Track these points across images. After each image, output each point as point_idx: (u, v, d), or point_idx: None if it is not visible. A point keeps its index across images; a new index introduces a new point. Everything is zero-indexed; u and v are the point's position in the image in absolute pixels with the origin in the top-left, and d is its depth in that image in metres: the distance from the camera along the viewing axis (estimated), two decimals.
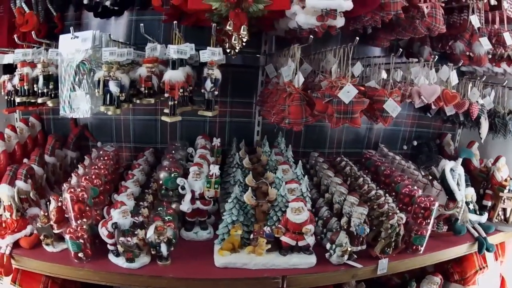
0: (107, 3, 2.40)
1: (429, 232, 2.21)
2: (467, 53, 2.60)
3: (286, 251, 1.98)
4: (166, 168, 2.17)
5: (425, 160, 3.10)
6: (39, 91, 2.04)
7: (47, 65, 2.03)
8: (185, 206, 2.08)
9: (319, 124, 2.95)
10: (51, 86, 2.03)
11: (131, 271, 1.84)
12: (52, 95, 2.04)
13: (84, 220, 1.89)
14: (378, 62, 2.32)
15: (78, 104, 1.88)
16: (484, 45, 2.55)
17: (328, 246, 2.01)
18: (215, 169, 2.05)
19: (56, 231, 1.92)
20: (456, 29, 2.57)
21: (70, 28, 1.88)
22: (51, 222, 1.92)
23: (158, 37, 2.31)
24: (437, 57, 2.39)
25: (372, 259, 2.08)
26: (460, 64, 2.57)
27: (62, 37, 1.92)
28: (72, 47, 1.89)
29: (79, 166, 2.35)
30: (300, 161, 2.33)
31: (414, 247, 2.21)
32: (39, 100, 2.05)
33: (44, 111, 2.83)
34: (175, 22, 1.95)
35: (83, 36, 1.89)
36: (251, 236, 1.98)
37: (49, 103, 2.03)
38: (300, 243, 1.96)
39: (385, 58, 2.27)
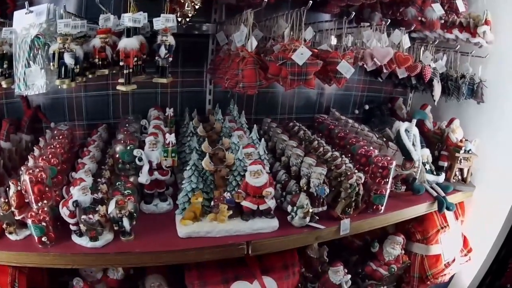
0: None
1: (388, 191, 2.27)
2: (419, 18, 2.65)
3: (248, 216, 2.00)
4: (122, 141, 2.14)
5: (378, 123, 3.16)
6: None
7: (1, 44, 1.92)
8: (144, 177, 2.05)
9: (270, 90, 2.98)
10: (5, 66, 1.92)
11: (96, 250, 1.81)
12: (6, 75, 1.94)
13: (45, 201, 1.83)
14: (329, 27, 2.33)
15: (33, 80, 1.81)
16: (436, 10, 2.61)
17: (289, 209, 2.04)
18: (171, 138, 2.04)
19: (17, 217, 1.84)
20: None
21: (26, 3, 1.80)
22: (12, 209, 1.84)
23: (110, 8, 2.25)
24: (389, 21, 2.42)
25: (334, 220, 2.12)
26: (412, 28, 2.62)
27: (16, 13, 1.85)
28: (26, 22, 1.82)
29: (34, 148, 2.28)
30: (254, 126, 2.34)
31: (374, 207, 2.28)
32: None
33: None
34: None
35: (37, 10, 1.82)
36: (212, 203, 1.98)
37: (3, 84, 1.92)
38: (261, 207, 1.98)
39: (335, 23, 2.28)
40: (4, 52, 1.92)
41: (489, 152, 2.89)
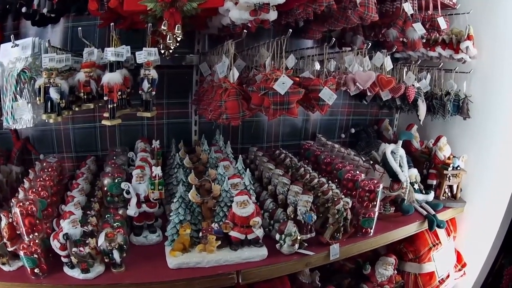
0: (44, 11, 2.34)
1: (376, 214, 2.28)
2: (401, 39, 2.67)
3: (236, 245, 1.99)
4: (110, 174, 2.14)
5: (365, 146, 3.18)
6: None
7: None
8: (132, 210, 2.05)
9: (255, 119, 2.98)
10: None
11: (88, 281, 1.80)
12: None
13: (36, 234, 1.83)
14: (311, 53, 2.36)
15: (20, 114, 1.84)
16: (417, 30, 2.63)
17: (277, 237, 2.03)
18: (157, 171, 2.04)
19: (10, 248, 1.84)
20: (389, 17, 2.63)
21: (11, 37, 1.85)
22: (4, 240, 1.84)
23: (94, 42, 2.27)
24: (370, 44, 2.45)
25: (323, 245, 2.13)
26: (394, 50, 2.65)
27: (2, 46, 1.88)
28: (12, 55, 1.86)
29: (24, 180, 2.28)
30: (240, 156, 2.35)
31: (363, 230, 2.28)
32: None
33: None
34: (111, 24, 1.93)
35: (23, 44, 1.86)
36: (200, 234, 1.98)
37: None
38: (250, 236, 1.98)
39: (318, 49, 2.31)
40: None
41: (478, 167, 2.93)
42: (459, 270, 3.02)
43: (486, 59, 2.95)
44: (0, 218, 1.87)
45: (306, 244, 2.07)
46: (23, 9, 2.38)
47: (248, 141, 3.09)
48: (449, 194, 2.92)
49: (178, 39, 1.92)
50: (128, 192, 2.05)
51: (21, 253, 1.76)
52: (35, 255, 1.76)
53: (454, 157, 2.84)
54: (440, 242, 2.81)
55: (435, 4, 2.85)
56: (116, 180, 2.12)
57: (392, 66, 2.49)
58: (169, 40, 1.91)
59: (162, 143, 2.72)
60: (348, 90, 2.29)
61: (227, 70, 2.00)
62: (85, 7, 2.11)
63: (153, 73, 1.96)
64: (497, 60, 2.88)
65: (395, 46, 2.65)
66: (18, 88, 1.81)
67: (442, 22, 2.76)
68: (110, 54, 1.88)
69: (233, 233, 1.97)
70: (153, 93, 1.99)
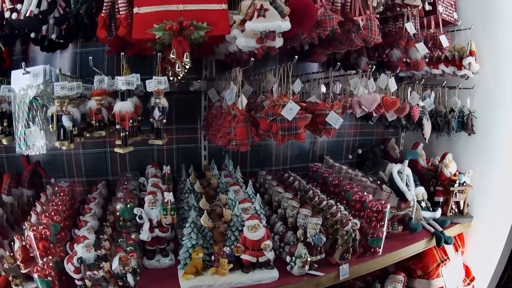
0: (53, 37, 2.40)
1: (384, 233, 2.30)
2: (404, 59, 2.70)
3: (248, 268, 2.02)
4: (122, 200, 2.18)
5: (372, 166, 3.19)
6: None
7: (0, 102, 2.01)
8: (145, 235, 2.08)
9: (263, 143, 3.02)
10: (5, 124, 2.01)
11: None
12: (7, 132, 2.02)
13: (50, 257, 1.87)
14: (317, 77, 2.40)
15: (33, 141, 1.87)
16: (420, 50, 2.66)
17: (288, 259, 2.07)
18: (169, 196, 2.08)
19: (23, 271, 1.88)
20: (392, 37, 2.68)
21: (22, 64, 1.89)
22: (18, 262, 1.88)
23: (102, 68, 2.32)
24: (374, 67, 2.49)
25: (333, 266, 2.15)
26: (398, 71, 2.68)
27: (14, 73, 1.92)
28: (24, 82, 1.89)
29: (36, 203, 2.32)
30: (250, 181, 2.39)
31: (372, 250, 2.30)
32: None
33: None
34: (122, 53, 1.98)
35: (34, 71, 1.90)
36: (212, 257, 2.01)
37: (4, 141, 2.00)
38: (261, 259, 2.01)
39: (323, 73, 2.34)
40: (3, 110, 2.01)
41: (484, 181, 2.95)
42: (468, 284, 3.02)
43: (488, 74, 2.98)
44: (14, 241, 1.91)
45: (316, 265, 2.10)
46: (32, 35, 2.41)
47: (257, 165, 3.12)
48: (456, 210, 2.94)
49: (187, 66, 1.95)
50: (141, 217, 2.09)
51: (35, 275, 1.79)
52: (49, 278, 1.80)
53: (460, 173, 2.86)
54: (448, 258, 2.82)
55: (436, 21, 2.89)
56: (129, 206, 2.16)
57: (396, 87, 2.52)
58: (178, 68, 1.94)
59: (172, 167, 2.75)
60: (354, 112, 2.32)
61: (236, 97, 2.03)
62: (93, 33, 2.13)
63: (164, 102, 2.01)
64: (500, 75, 2.91)
65: (398, 66, 2.69)
66: (30, 115, 1.85)
67: (444, 40, 2.79)
68: (121, 83, 1.93)
69: (245, 256, 2.00)
70: (164, 121, 2.03)
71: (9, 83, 1.97)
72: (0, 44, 2.51)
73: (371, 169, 3.12)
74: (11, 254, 1.91)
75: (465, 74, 2.94)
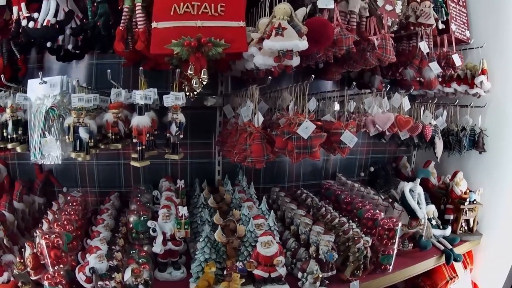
0: (69, 47, 2.42)
1: (395, 251, 2.30)
2: (418, 79, 2.71)
3: (259, 283, 2.03)
4: (135, 212, 2.20)
5: (383, 184, 3.20)
6: (9, 137, 2.02)
7: (16, 109, 2.02)
8: (158, 247, 2.10)
9: (277, 160, 2.98)
10: (20, 132, 2.02)
11: None
12: (21, 140, 2.04)
13: (61, 266, 1.89)
14: (332, 95, 2.41)
15: (48, 151, 1.89)
16: (434, 69, 2.67)
17: (299, 275, 2.07)
18: (184, 211, 2.10)
19: (33, 277, 1.90)
20: (406, 56, 2.69)
21: (39, 74, 1.90)
22: (28, 269, 1.90)
23: (118, 80, 2.33)
24: (388, 86, 2.51)
25: (344, 282, 2.16)
26: (411, 90, 2.69)
27: (30, 82, 1.94)
28: (40, 92, 1.91)
29: (48, 212, 2.34)
30: (264, 197, 2.40)
31: (383, 267, 2.30)
32: (9, 146, 2.03)
33: (9, 156, 2.78)
34: (140, 68, 1.99)
35: (51, 81, 1.92)
36: (225, 272, 2.01)
37: (19, 149, 2.02)
38: (273, 275, 2.02)
39: (338, 92, 2.36)
40: (18, 118, 2.02)
41: (493, 199, 2.95)
42: None
43: (500, 92, 3.00)
44: (25, 247, 1.94)
45: (327, 282, 2.10)
46: (48, 44, 2.41)
47: (270, 181, 3.12)
48: (466, 227, 2.94)
49: (204, 83, 1.96)
50: (154, 230, 2.10)
51: (46, 283, 1.82)
52: (60, 286, 1.82)
53: (470, 191, 2.86)
54: (457, 275, 2.82)
55: (449, 40, 2.90)
56: (142, 218, 2.18)
57: (409, 106, 2.54)
58: (195, 84, 1.95)
59: (185, 182, 2.76)
60: (367, 131, 2.34)
61: (252, 114, 2.06)
62: (109, 45, 2.17)
63: (181, 117, 2.03)
64: (511, 93, 2.92)
65: (412, 86, 2.69)
66: (46, 125, 1.87)
67: (457, 59, 2.80)
68: (139, 97, 1.95)
69: (257, 272, 2.01)
70: (181, 136, 2.05)
71: (24, 91, 2.00)
72: (16, 51, 2.54)
73: (382, 187, 3.13)
74: (22, 260, 1.93)
75: (477, 92, 2.95)
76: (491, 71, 2.97)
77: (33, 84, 1.94)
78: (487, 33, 3.07)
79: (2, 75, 2.16)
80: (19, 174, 2.83)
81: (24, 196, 2.58)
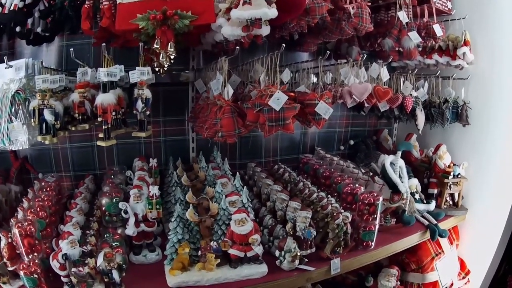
0: (38, 30, 2.35)
1: (377, 227, 2.26)
2: (397, 49, 2.65)
3: (236, 263, 1.98)
4: (107, 194, 2.14)
5: (364, 157, 3.16)
6: None
7: None
8: (130, 230, 2.04)
9: (252, 134, 2.96)
10: None
11: None
12: None
13: (35, 254, 1.83)
14: (307, 66, 2.34)
15: (16, 136, 1.84)
16: (413, 39, 2.59)
17: (277, 253, 2.02)
18: (154, 190, 2.03)
19: (10, 268, 1.84)
20: (384, 27, 2.61)
21: (4, 58, 1.86)
22: (4, 260, 1.84)
23: (88, 61, 2.28)
24: (365, 56, 2.43)
25: (324, 260, 2.11)
26: (390, 60, 2.63)
27: None
28: (7, 77, 1.87)
29: (23, 200, 2.28)
30: (237, 173, 2.33)
31: (364, 243, 2.26)
32: None
33: None
34: (103, 44, 1.93)
35: (16, 65, 1.88)
36: (199, 252, 1.97)
37: None
38: (249, 254, 1.97)
39: (313, 62, 2.29)
40: None
41: (479, 173, 2.91)
42: (463, 278, 2.99)
43: (483, 65, 2.94)
44: (0, 238, 1.86)
45: (306, 260, 2.06)
46: (17, 29, 2.36)
47: (246, 157, 3.07)
48: (451, 202, 2.90)
49: (172, 57, 1.89)
50: (126, 212, 2.04)
51: (21, 273, 1.76)
52: (35, 275, 1.76)
53: (454, 165, 2.82)
54: (442, 251, 2.78)
55: (430, 11, 2.83)
56: (114, 200, 2.11)
57: (388, 77, 2.47)
58: (162, 58, 1.88)
59: (159, 160, 2.72)
60: (344, 102, 2.27)
61: (222, 87, 1.99)
62: (79, 26, 2.11)
63: (147, 93, 1.96)
64: (495, 65, 2.86)
65: (391, 56, 2.63)
66: (13, 110, 1.82)
67: (438, 29, 2.73)
68: (103, 74, 1.89)
69: (232, 251, 1.95)
70: (148, 112, 1.98)
71: None
72: None
73: (363, 160, 3.08)
74: None
75: (460, 64, 2.89)
76: (474, 43, 2.91)
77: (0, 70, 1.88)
78: (469, 5, 2.99)
79: None
80: None
81: (0, 185, 2.49)
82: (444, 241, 2.80)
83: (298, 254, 1.98)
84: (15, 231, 1.79)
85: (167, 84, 2.52)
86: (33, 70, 1.94)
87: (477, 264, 2.97)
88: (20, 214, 2.08)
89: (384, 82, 2.44)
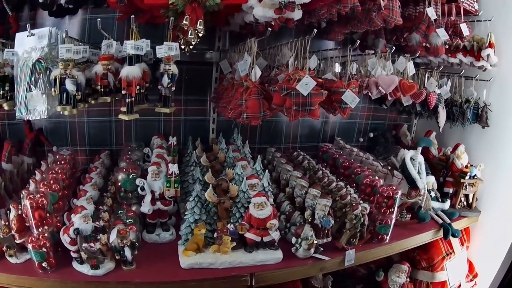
0: (62, 2, 2.32)
1: (393, 221, 2.24)
2: (424, 44, 2.63)
3: (251, 247, 1.96)
4: (124, 170, 2.12)
5: (383, 151, 3.14)
6: None
7: (3, 65, 1.90)
8: (146, 207, 2.02)
9: (274, 119, 2.95)
10: (6, 88, 1.91)
11: (97, 278, 1.78)
12: (8, 97, 1.93)
13: (46, 227, 1.82)
14: (333, 55, 2.32)
15: (34, 105, 1.80)
16: (441, 35, 2.58)
17: (293, 240, 2.00)
18: (174, 168, 2.01)
19: (18, 241, 1.83)
20: (412, 22, 2.59)
21: (27, 26, 1.81)
22: (13, 232, 1.83)
23: (112, 35, 2.24)
24: (394, 48, 2.42)
25: (339, 251, 2.09)
26: (416, 55, 2.61)
27: (18, 35, 1.84)
28: (28, 45, 1.81)
29: (36, 172, 2.26)
30: (259, 156, 2.31)
31: (379, 237, 2.24)
32: None
33: None
34: (132, 16, 1.89)
35: (39, 34, 1.82)
36: (215, 234, 1.95)
37: (5, 106, 1.91)
38: (265, 239, 1.95)
39: (339, 51, 2.27)
40: (5, 74, 1.91)
41: (495, 176, 2.88)
42: (471, 280, 2.97)
43: (506, 68, 2.90)
44: (10, 209, 1.86)
45: (321, 249, 2.04)
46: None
47: (266, 142, 3.06)
48: (465, 203, 2.88)
49: (200, 34, 1.88)
50: (142, 189, 2.02)
51: (30, 246, 1.74)
52: (44, 249, 1.74)
53: (471, 165, 2.79)
54: (453, 251, 2.76)
55: (458, 10, 2.80)
56: (131, 176, 2.10)
57: (414, 71, 2.45)
58: (190, 35, 1.86)
59: (178, 140, 2.70)
60: (369, 93, 2.25)
61: (249, 69, 1.96)
62: None
63: (174, 68, 1.92)
64: None
65: (417, 51, 2.61)
66: (32, 79, 1.78)
67: (464, 28, 2.71)
68: (130, 47, 1.85)
69: (249, 235, 1.94)
70: (173, 88, 1.96)
71: (13, 47, 1.87)
72: (8, 9, 2.45)
73: (381, 154, 3.06)
74: (6, 223, 1.86)
75: (483, 65, 2.86)
76: (499, 46, 2.87)
77: (21, 38, 1.84)
78: (496, 7, 2.95)
79: None
80: (9, 135, 2.75)
81: (13, 156, 2.49)
82: (455, 242, 2.78)
83: (315, 242, 1.96)
84: (26, 203, 1.78)
85: (191, 63, 2.48)
86: (56, 40, 1.87)
87: (485, 267, 2.94)
88: (32, 186, 2.06)
89: (410, 77, 2.41)
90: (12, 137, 2.69)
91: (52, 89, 1.77)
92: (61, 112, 1.80)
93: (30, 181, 2.11)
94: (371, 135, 3.40)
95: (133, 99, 1.89)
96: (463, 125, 2.91)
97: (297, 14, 1.84)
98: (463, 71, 2.98)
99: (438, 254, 2.70)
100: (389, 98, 2.35)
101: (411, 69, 2.39)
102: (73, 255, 1.82)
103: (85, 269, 1.79)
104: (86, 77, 1.89)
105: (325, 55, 2.41)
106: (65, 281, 1.77)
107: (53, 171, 2.19)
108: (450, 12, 2.78)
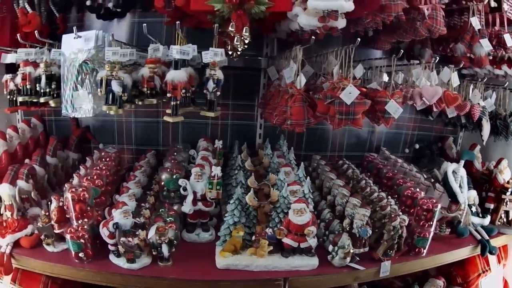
0: (110, 5, 2.41)
1: (431, 234, 2.20)
2: (468, 55, 2.59)
3: (288, 253, 1.97)
4: (168, 170, 2.18)
5: (427, 163, 3.09)
6: (42, 91, 2.03)
7: (50, 64, 2.03)
8: (187, 207, 2.07)
9: (320, 127, 2.95)
10: (53, 86, 2.03)
11: (132, 271, 1.84)
12: (55, 95, 2.04)
13: (85, 220, 1.90)
14: (379, 64, 2.32)
15: (80, 104, 1.90)
16: (484, 46, 2.54)
17: (330, 248, 2.00)
18: (217, 170, 2.05)
19: (57, 231, 1.92)
20: (457, 31, 2.56)
21: (73, 28, 1.89)
22: (52, 222, 1.92)
23: (160, 39, 2.29)
24: (438, 58, 2.38)
25: (375, 261, 2.07)
26: (461, 66, 2.57)
27: (65, 37, 1.94)
28: (75, 46, 1.90)
29: (80, 167, 2.36)
30: (302, 163, 2.32)
31: (417, 250, 2.20)
32: (41, 100, 2.03)
33: (46, 112, 2.84)
34: (177, 22, 1.94)
35: (86, 36, 1.91)
36: (253, 237, 1.97)
37: (52, 103, 2.02)
38: (302, 245, 1.95)
39: (386, 60, 2.26)
40: (52, 72, 2.03)
41: None
42: None
43: None
44: (51, 201, 1.95)
45: (357, 258, 2.02)
46: (88, 2, 2.44)
47: (311, 149, 3.06)
48: (505, 219, 2.78)
49: (246, 41, 1.91)
50: (185, 189, 2.07)
51: (68, 236, 1.82)
52: (82, 240, 1.82)
53: None
54: (489, 269, 2.68)
55: (501, 19, 2.74)
56: (174, 176, 2.16)
57: (458, 83, 2.42)
58: (236, 41, 1.90)
59: (224, 143, 2.75)
60: (414, 104, 2.23)
61: (295, 76, 1.98)
62: (151, 3, 2.15)
63: (219, 74, 1.96)
64: None
65: (462, 61, 2.57)
66: (79, 78, 1.87)
67: (508, 39, 2.64)
68: (175, 52, 1.90)
69: (287, 240, 1.95)
70: (218, 93, 1.99)
71: (60, 47, 1.98)
72: (55, 10, 2.56)
73: (426, 165, 3.01)
74: (47, 213, 1.96)
75: None
76: None
77: (68, 39, 1.94)
78: None
79: (36, 32, 2.15)
80: (55, 131, 2.88)
81: (58, 151, 2.60)
82: (492, 259, 2.70)
83: (351, 251, 1.95)
84: (68, 195, 1.87)
85: (239, 68, 2.53)
86: (103, 42, 1.96)
87: None
88: (75, 180, 2.16)
89: (454, 88, 2.38)
90: (59, 133, 2.81)
91: (98, 89, 1.85)
92: (107, 112, 1.87)
93: (74, 175, 2.22)
94: (417, 146, 3.35)
95: (178, 102, 1.94)
96: (506, 139, 2.84)
97: (341, 23, 1.85)
98: (507, 83, 2.90)
99: (474, 270, 2.63)
100: (434, 109, 2.32)
101: (455, 80, 2.36)
102: (111, 248, 1.90)
103: (121, 262, 1.86)
104: (133, 79, 1.96)
105: (372, 64, 2.41)
106: (100, 271, 1.84)
107: (98, 167, 2.27)
108: (494, 22, 2.72)
